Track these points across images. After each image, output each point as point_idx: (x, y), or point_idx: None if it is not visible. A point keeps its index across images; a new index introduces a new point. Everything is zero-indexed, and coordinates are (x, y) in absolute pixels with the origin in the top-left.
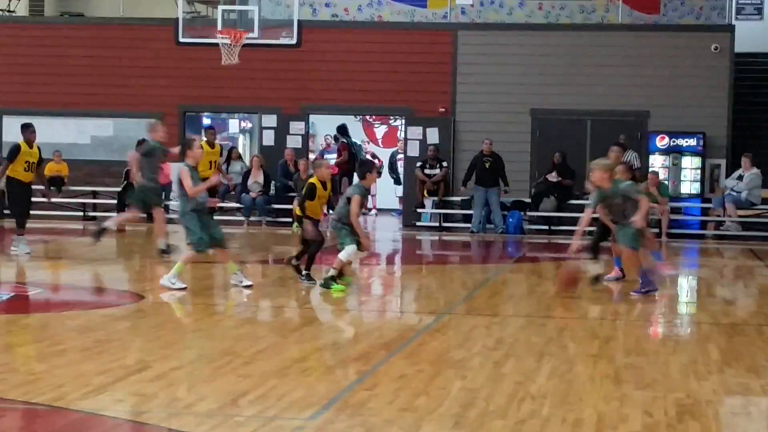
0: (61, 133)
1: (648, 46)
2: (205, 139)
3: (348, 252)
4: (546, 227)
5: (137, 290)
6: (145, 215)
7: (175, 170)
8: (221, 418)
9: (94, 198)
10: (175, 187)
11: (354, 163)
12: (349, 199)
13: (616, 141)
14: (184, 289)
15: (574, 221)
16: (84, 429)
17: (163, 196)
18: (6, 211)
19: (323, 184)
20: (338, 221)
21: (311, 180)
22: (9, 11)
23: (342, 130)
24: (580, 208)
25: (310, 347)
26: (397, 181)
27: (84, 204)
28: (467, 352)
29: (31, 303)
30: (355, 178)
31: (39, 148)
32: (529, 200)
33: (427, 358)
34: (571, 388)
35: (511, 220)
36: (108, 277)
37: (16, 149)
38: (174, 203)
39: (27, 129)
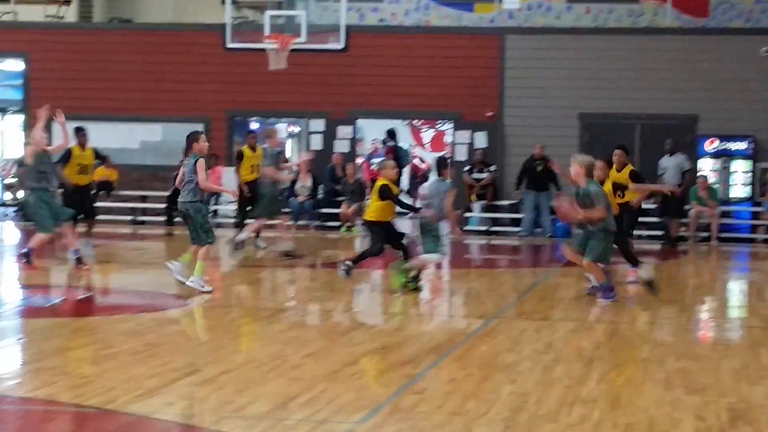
0: (111, 138)
1: (697, 50)
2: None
3: (431, 258)
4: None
5: (186, 294)
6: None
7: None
8: (271, 422)
9: (143, 203)
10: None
11: (399, 167)
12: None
13: (620, 144)
14: (210, 292)
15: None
16: None
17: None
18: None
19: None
20: (426, 224)
21: (382, 182)
22: (58, 17)
23: (391, 134)
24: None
25: (359, 351)
26: None
27: (133, 208)
28: (517, 356)
29: (81, 306)
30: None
31: (95, 151)
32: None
33: (477, 362)
34: (621, 392)
35: (559, 224)
36: (157, 280)
37: (68, 153)
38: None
39: (78, 132)
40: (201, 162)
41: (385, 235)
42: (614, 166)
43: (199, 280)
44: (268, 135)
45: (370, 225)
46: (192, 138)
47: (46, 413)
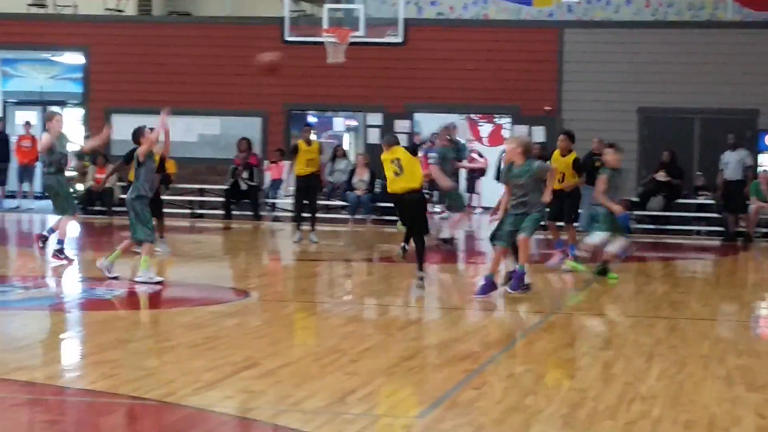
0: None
1: (758, 44)
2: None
3: (611, 244)
4: (653, 226)
5: (244, 287)
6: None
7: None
8: (329, 416)
9: (201, 196)
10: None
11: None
12: None
13: (565, 130)
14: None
15: (682, 221)
16: (194, 425)
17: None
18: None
19: None
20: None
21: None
22: (118, 11)
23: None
24: (689, 208)
25: (416, 345)
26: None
27: (191, 201)
28: (575, 351)
29: (140, 299)
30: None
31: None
32: (636, 199)
33: (535, 357)
34: (681, 389)
35: (618, 219)
36: (215, 274)
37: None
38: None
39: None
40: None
41: None
42: (557, 151)
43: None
44: (443, 134)
45: None
46: (138, 133)
47: (106, 405)
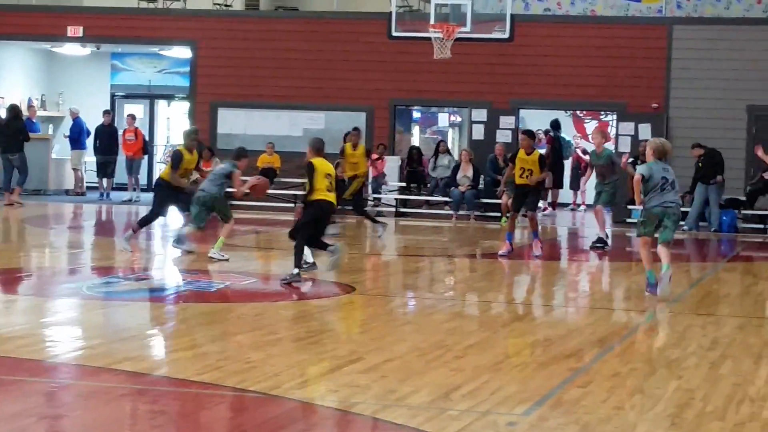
0: (274, 126)
1: None
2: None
3: None
4: (761, 226)
5: (348, 282)
6: None
7: None
8: (434, 412)
9: (305, 190)
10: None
11: (557, 158)
12: None
13: (525, 129)
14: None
15: None
16: (299, 418)
17: None
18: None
19: None
20: None
21: None
22: (225, 5)
23: (554, 125)
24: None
25: (521, 342)
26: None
27: (295, 195)
28: (682, 351)
29: (245, 292)
30: None
31: (199, 154)
32: (744, 198)
33: (641, 356)
34: None
35: (725, 218)
36: (320, 267)
37: (179, 156)
38: None
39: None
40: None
41: None
42: (522, 150)
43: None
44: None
45: None
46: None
47: (212, 397)
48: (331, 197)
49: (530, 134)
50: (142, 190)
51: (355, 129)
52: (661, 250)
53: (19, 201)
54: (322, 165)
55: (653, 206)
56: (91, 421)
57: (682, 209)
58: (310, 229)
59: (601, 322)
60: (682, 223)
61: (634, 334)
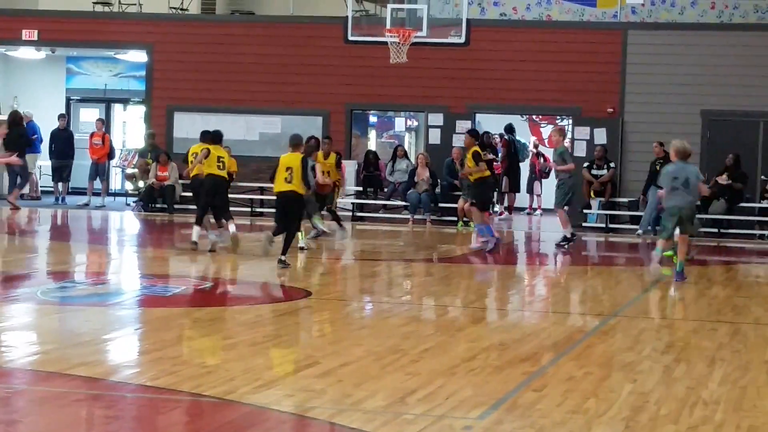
0: (230, 130)
1: None
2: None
3: None
4: (715, 230)
5: (305, 286)
6: None
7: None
8: (390, 416)
9: (261, 194)
10: None
11: (513, 161)
12: None
13: (469, 129)
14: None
15: (744, 224)
16: (254, 423)
17: None
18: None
19: None
20: None
21: None
22: (181, 9)
23: (509, 128)
24: (751, 212)
25: (477, 347)
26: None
27: (251, 200)
28: (637, 355)
29: (201, 297)
30: None
31: (156, 158)
32: (698, 203)
33: (596, 360)
34: (744, 394)
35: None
36: (275, 272)
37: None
38: None
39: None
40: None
41: None
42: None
43: None
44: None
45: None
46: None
47: (167, 402)
48: (287, 187)
49: (474, 135)
50: (110, 195)
51: (327, 137)
52: (681, 243)
53: (16, 204)
54: (284, 159)
55: (670, 206)
56: (45, 427)
57: (636, 213)
58: (278, 220)
59: (557, 326)
60: (635, 227)
61: (589, 337)
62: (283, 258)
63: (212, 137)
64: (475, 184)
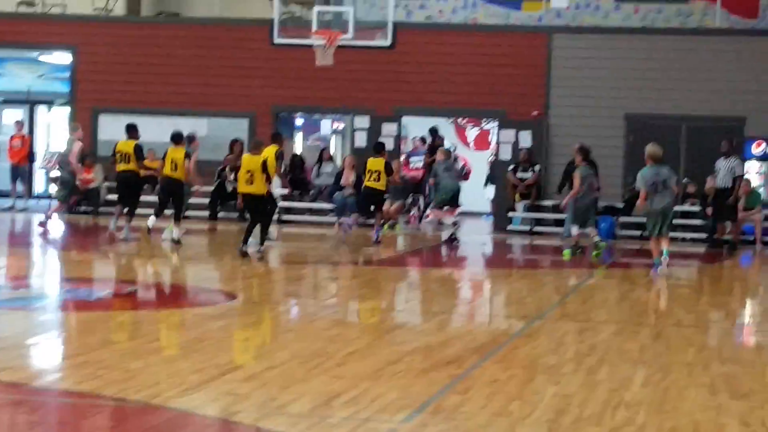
0: (156, 132)
1: (746, 51)
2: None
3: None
4: (638, 233)
5: (230, 289)
6: None
7: None
8: (314, 420)
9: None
10: None
11: None
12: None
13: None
14: None
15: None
16: (179, 427)
17: None
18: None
19: None
20: None
21: None
22: (107, 10)
23: (433, 131)
24: (674, 215)
25: (402, 350)
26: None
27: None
28: (560, 357)
29: (125, 301)
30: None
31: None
32: (621, 206)
33: (520, 363)
34: (666, 396)
35: (603, 225)
36: (201, 275)
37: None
38: None
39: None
40: None
41: None
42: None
43: None
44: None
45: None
46: None
47: (90, 407)
48: (248, 189)
49: (378, 148)
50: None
51: (235, 140)
52: (663, 241)
53: None
54: (243, 161)
55: (654, 207)
56: None
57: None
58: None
59: (481, 329)
60: (561, 230)
61: (513, 340)
62: (244, 248)
63: (172, 138)
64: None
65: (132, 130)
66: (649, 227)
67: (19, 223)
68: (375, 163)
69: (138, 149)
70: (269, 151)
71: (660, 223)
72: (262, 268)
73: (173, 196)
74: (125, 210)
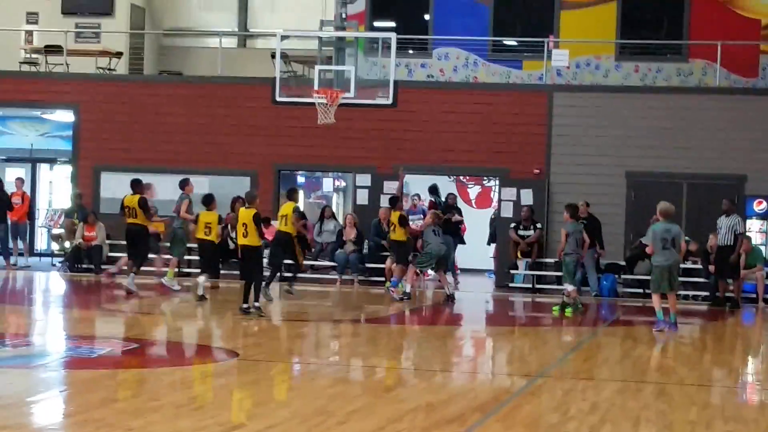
0: (158, 190)
1: (745, 110)
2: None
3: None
4: (641, 290)
5: (231, 347)
6: None
7: None
8: None
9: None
10: None
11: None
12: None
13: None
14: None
15: None
16: None
17: None
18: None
19: None
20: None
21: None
22: (109, 69)
23: (433, 189)
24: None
25: (404, 408)
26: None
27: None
28: (562, 416)
29: (127, 358)
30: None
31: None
32: (623, 263)
33: (522, 421)
34: None
35: (605, 282)
36: (203, 333)
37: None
38: None
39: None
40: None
41: None
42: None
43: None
44: None
45: None
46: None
47: None
48: (243, 241)
49: (392, 201)
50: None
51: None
52: (670, 299)
53: None
54: (239, 214)
55: (661, 263)
56: None
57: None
58: (241, 271)
59: (483, 387)
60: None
61: (516, 398)
62: (245, 306)
63: (203, 201)
64: (398, 244)
65: (136, 185)
66: (655, 283)
67: (21, 281)
68: (393, 216)
69: (143, 202)
70: (287, 209)
71: (666, 279)
72: (263, 325)
73: (202, 258)
74: (133, 261)
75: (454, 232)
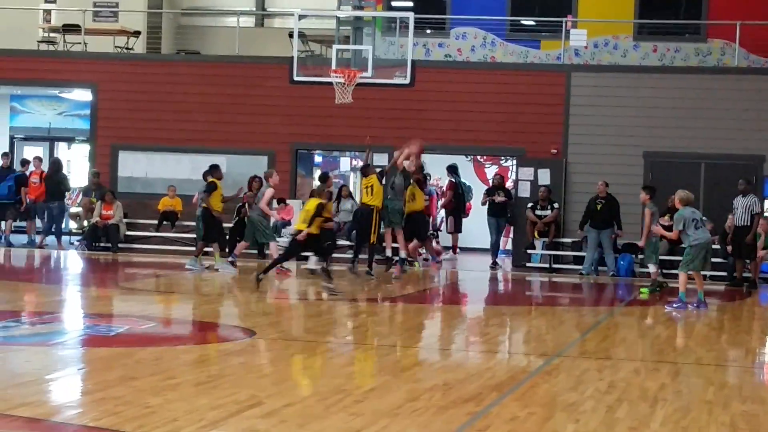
0: (175, 169)
1: (764, 90)
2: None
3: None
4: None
5: (249, 326)
6: None
7: None
8: None
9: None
10: None
11: (460, 202)
12: None
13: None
14: None
15: None
16: None
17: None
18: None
19: None
20: None
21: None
22: (127, 48)
23: (452, 169)
24: None
25: (421, 387)
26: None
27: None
28: (579, 395)
29: (144, 337)
30: None
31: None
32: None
33: (539, 400)
34: None
35: (622, 262)
36: (221, 311)
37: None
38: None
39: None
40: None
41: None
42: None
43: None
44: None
45: None
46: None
47: None
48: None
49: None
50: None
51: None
52: (698, 278)
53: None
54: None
55: (700, 239)
56: None
57: (579, 253)
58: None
59: (500, 366)
60: (579, 267)
61: (533, 378)
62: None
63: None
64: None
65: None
66: (692, 262)
67: (39, 259)
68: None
69: (211, 186)
70: (372, 180)
71: (703, 258)
72: (281, 304)
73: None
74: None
75: (499, 213)
